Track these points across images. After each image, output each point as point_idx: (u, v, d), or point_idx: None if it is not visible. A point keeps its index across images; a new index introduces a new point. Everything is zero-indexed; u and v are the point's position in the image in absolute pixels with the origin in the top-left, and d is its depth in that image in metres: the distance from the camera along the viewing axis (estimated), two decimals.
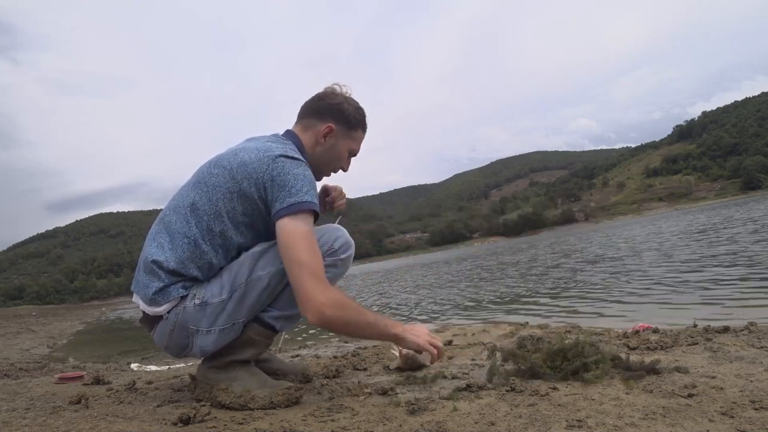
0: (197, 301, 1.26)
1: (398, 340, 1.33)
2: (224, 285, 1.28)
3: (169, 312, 1.27)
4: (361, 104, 1.51)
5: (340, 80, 1.49)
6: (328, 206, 1.70)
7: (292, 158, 1.27)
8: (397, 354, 1.66)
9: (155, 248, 1.29)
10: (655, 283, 4.32)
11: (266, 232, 1.34)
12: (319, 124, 1.43)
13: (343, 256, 1.38)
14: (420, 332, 1.36)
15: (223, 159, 1.33)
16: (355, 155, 1.54)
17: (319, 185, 1.55)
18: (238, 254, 1.34)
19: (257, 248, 1.32)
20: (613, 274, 5.60)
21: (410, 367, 1.63)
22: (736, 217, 14.71)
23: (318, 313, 1.19)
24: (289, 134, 1.44)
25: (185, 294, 1.28)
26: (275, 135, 1.43)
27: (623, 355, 1.33)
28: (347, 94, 1.47)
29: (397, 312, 5.60)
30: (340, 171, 1.56)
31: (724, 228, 10.43)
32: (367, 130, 1.54)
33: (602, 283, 4.97)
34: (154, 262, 1.27)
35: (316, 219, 1.28)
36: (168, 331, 1.29)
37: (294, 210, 1.21)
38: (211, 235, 1.28)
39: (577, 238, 22.61)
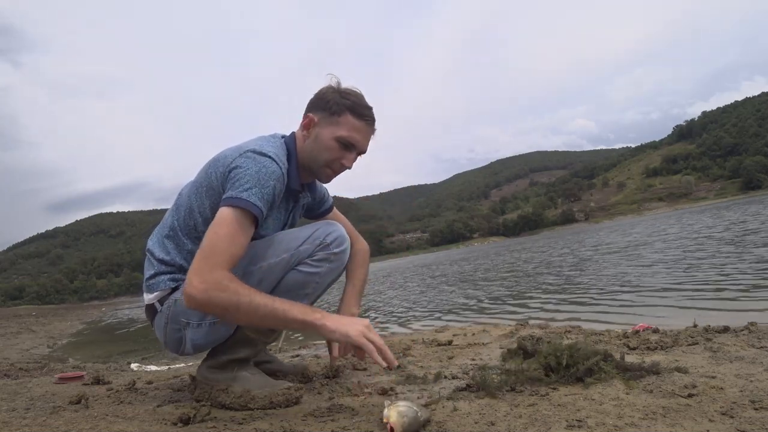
0: None
1: (316, 328, 1.12)
2: None
3: (162, 304, 1.30)
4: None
5: (342, 79, 1.38)
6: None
7: (259, 153, 1.24)
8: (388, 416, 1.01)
9: (152, 240, 1.38)
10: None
11: None
12: (304, 119, 1.38)
13: (336, 250, 1.33)
14: (353, 322, 1.14)
15: (210, 159, 1.34)
16: (355, 147, 1.35)
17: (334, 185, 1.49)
18: None
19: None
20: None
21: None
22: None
23: (187, 295, 1.09)
24: (290, 134, 1.42)
25: (175, 286, 1.30)
26: (274, 134, 1.41)
27: (617, 355, 1.33)
28: (337, 84, 1.35)
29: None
30: (345, 170, 1.38)
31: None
32: (370, 121, 1.35)
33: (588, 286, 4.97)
34: (148, 250, 1.37)
35: (256, 223, 1.20)
36: (163, 325, 1.31)
37: (228, 203, 1.17)
38: (188, 228, 1.32)
39: (546, 242, 22.76)
